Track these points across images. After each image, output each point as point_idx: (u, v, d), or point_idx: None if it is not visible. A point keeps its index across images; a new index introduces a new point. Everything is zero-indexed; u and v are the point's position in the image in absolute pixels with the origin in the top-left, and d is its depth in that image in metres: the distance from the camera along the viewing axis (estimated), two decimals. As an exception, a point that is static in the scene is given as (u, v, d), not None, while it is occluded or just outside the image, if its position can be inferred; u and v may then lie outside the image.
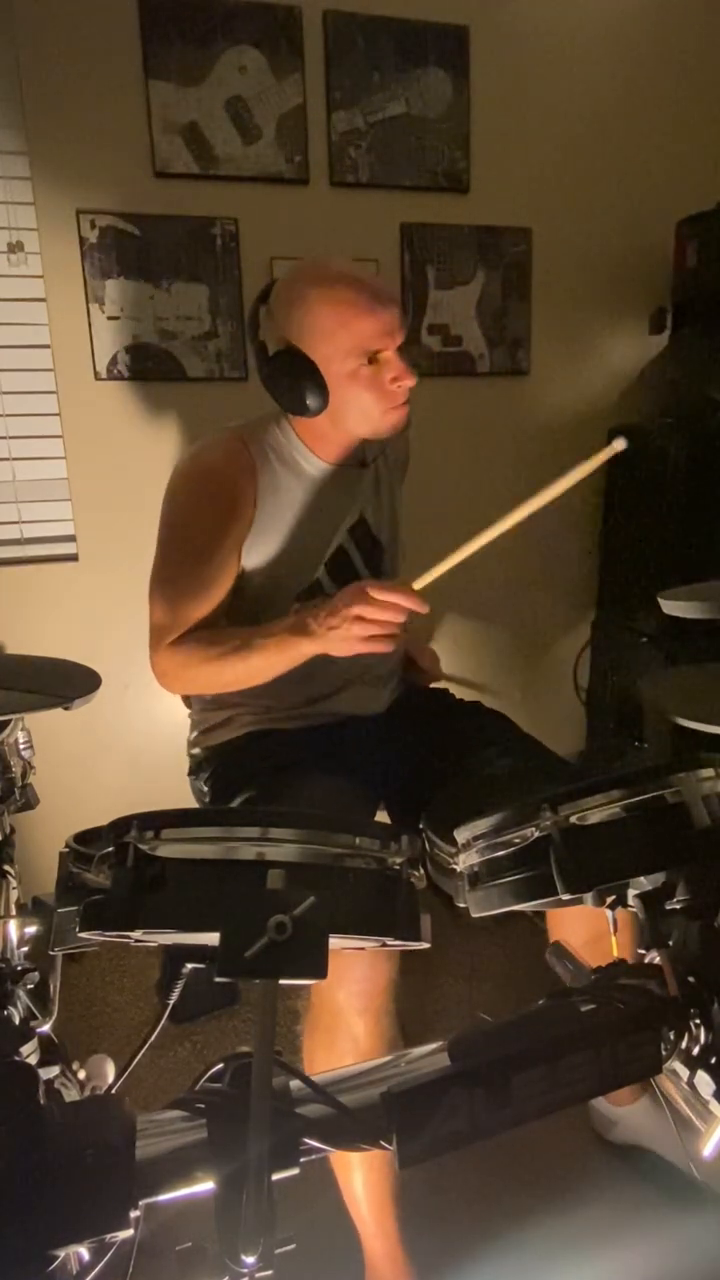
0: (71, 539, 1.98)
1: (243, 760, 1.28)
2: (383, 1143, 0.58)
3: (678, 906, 0.71)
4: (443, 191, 2.07)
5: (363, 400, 1.16)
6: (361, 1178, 1.12)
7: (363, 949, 0.84)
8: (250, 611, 1.25)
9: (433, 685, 1.50)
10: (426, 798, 1.16)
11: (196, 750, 1.38)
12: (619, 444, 0.98)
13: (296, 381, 1.13)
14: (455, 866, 0.77)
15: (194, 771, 1.38)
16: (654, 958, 0.72)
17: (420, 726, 1.36)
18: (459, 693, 1.48)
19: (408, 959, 1.07)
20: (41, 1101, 0.57)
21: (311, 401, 1.14)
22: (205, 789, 1.34)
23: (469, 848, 0.75)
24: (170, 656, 1.20)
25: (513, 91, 2.08)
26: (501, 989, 1.81)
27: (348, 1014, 1.05)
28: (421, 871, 0.68)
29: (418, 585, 1.07)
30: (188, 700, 1.45)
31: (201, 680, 1.25)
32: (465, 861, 0.76)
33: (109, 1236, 0.53)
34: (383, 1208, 1.13)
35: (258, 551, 1.23)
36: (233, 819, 0.62)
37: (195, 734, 1.39)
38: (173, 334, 1.94)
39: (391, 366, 1.15)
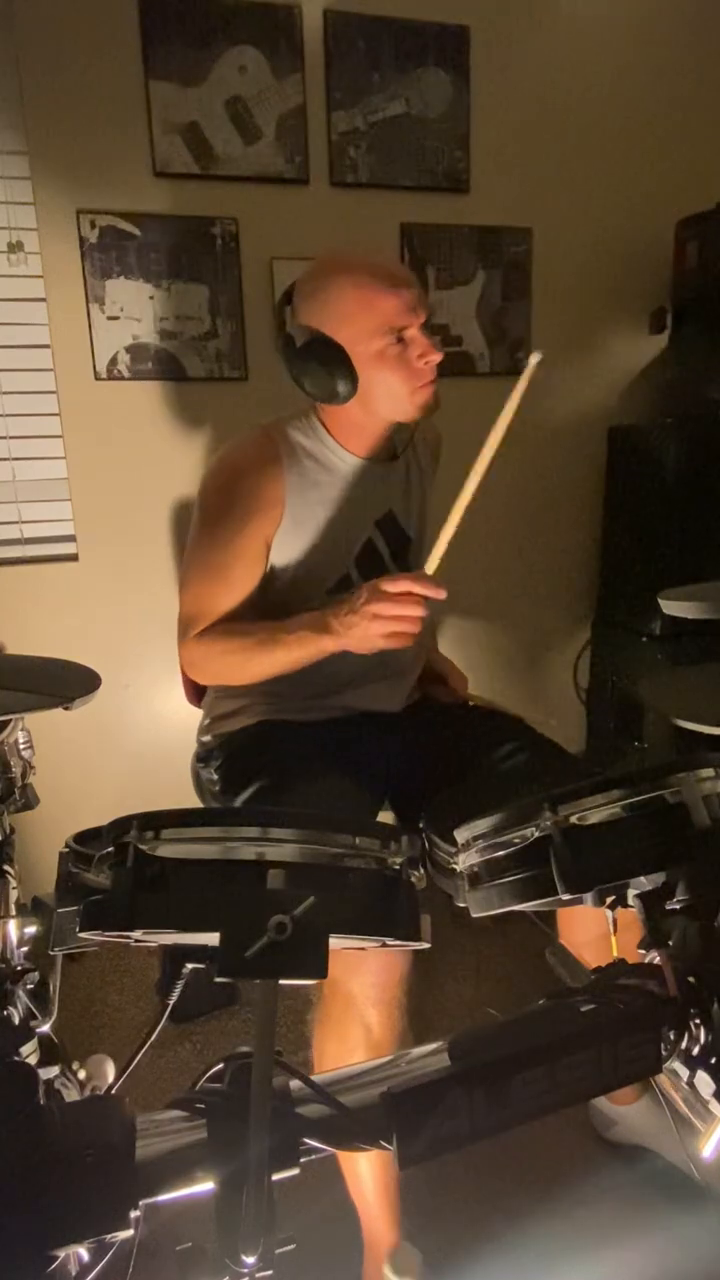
0: (71, 539, 1.98)
1: (253, 751, 1.28)
2: (383, 1143, 0.58)
3: (678, 906, 0.71)
4: (443, 191, 2.08)
5: (391, 380, 1.17)
6: (366, 1162, 1.12)
7: (363, 949, 0.84)
8: (281, 605, 1.26)
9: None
10: (434, 797, 1.16)
11: (207, 737, 1.38)
12: (535, 357, 1.01)
13: (327, 368, 1.15)
14: (455, 866, 0.77)
15: (203, 759, 1.38)
16: (654, 958, 0.72)
17: (434, 726, 1.36)
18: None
19: (412, 957, 1.07)
20: (41, 1101, 0.57)
21: (342, 387, 1.15)
22: (214, 778, 1.34)
23: (469, 847, 0.75)
24: (196, 647, 1.24)
25: (513, 91, 2.08)
26: (502, 989, 1.81)
27: (361, 1005, 1.06)
28: (422, 871, 0.68)
29: (429, 569, 1.09)
30: (195, 695, 1.45)
31: (227, 672, 1.28)
32: (465, 861, 0.76)
33: (109, 1236, 0.53)
34: (386, 1194, 1.14)
35: (287, 547, 1.25)
36: (232, 819, 0.62)
37: (208, 720, 1.39)
38: (173, 334, 1.94)
39: (417, 344, 1.17)
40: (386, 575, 1.10)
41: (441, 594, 1.06)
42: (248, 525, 1.22)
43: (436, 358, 1.17)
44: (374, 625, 1.07)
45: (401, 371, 1.17)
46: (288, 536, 1.24)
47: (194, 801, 1.40)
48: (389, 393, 1.18)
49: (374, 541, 1.31)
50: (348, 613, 1.10)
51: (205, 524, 1.25)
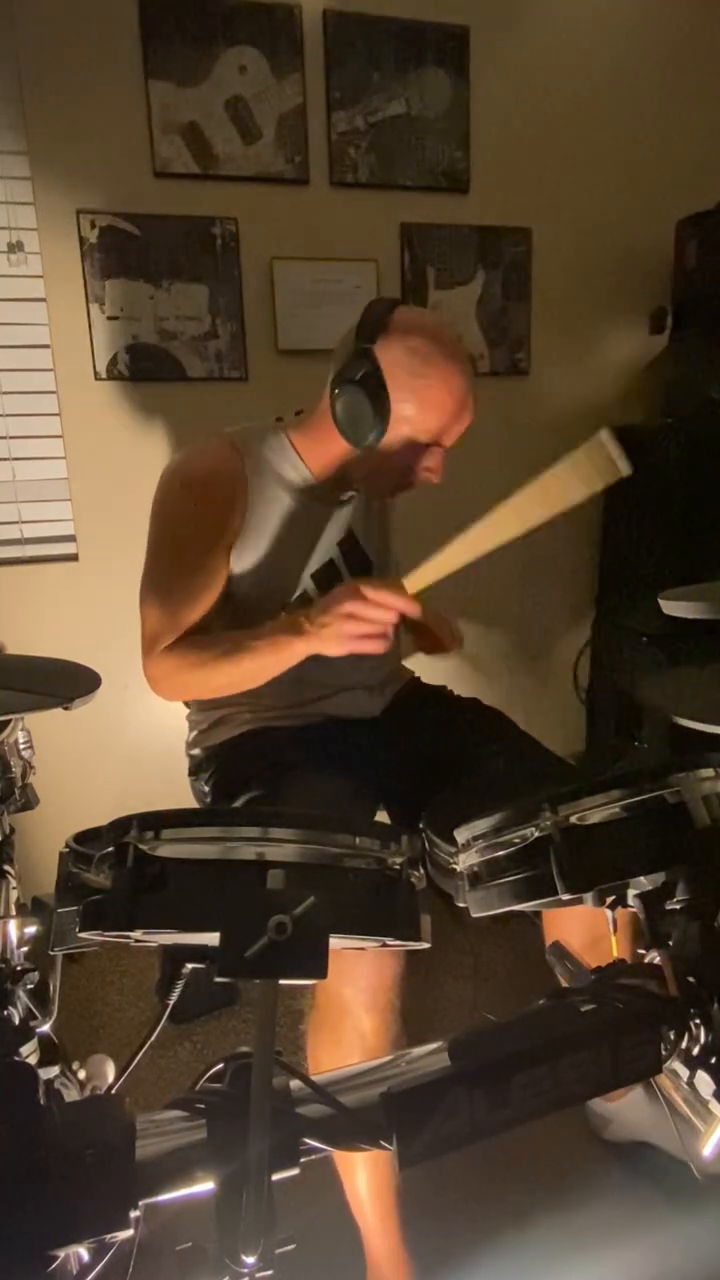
0: (71, 539, 1.98)
1: (243, 760, 1.28)
2: (383, 1143, 0.58)
3: (678, 906, 0.71)
4: (443, 191, 2.08)
5: (393, 464, 1.18)
6: (365, 1177, 1.12)
7: (363, 949, 0.84)
8: (238, 620, 1.24)
9: (431, 684, 1.50)
10: (426, 797, 1.16)
11: (196, 751, 1.38)
12: (625, 468, 0.97)
13: (375, 414, 1.11)
14: (455, 866, 0.77)
15: (194, 772, 1.38)
16: (654, 958, 0.72)
17: (419, 725, 1.35)
18: (458, 689, 1.48)
19: (409, 958, 1.07)
20: (41, 1101, 0.57)
21: (371, 437, 1.13)
22: (206, 789, 1.34)
23: (469, 848, 0.75)
24: (162, 663, 1.19)
25: (513, 91, 2.08)
26: (502, 989, 1.81)
27: (355, 1011, 1.05)
28: (421, 871, 0.68)
29: (411, 587, 1.07)
30: (186, 701, 1.45)
31: (194, 685, 1.24)
32: (465, 861, 0.76)
33: (109, 1236, 0.53)
34: (385, 1207, 1.13)
35: (245, 560, 1.22)
36: (233, 819, 0.62)
37: (194, 734, 1.39)
38: (173, 334, 1.94)
39: (434, 458, 1.18)
40: (365, 579, 1.09)
41: (416, 611, 1.06)
42: (208, 533, 1.19)
43: (436, 480, 1.20)
44: (347, 625, 1.05)
45: (407, 464, 1.19)
46: (246, 548, 1.22)
47: (194, 802, 1.40)
48: (381, 469, 1.19)
49: (335, 562, 1.30)
50: (320, 612, 1.08)
51: (165, 533, 1.22)
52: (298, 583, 1.27)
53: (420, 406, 1.13)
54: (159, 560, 1.22)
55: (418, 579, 1.08)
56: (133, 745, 2.06)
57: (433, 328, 1.15)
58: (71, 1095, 0.88)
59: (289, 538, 1.24)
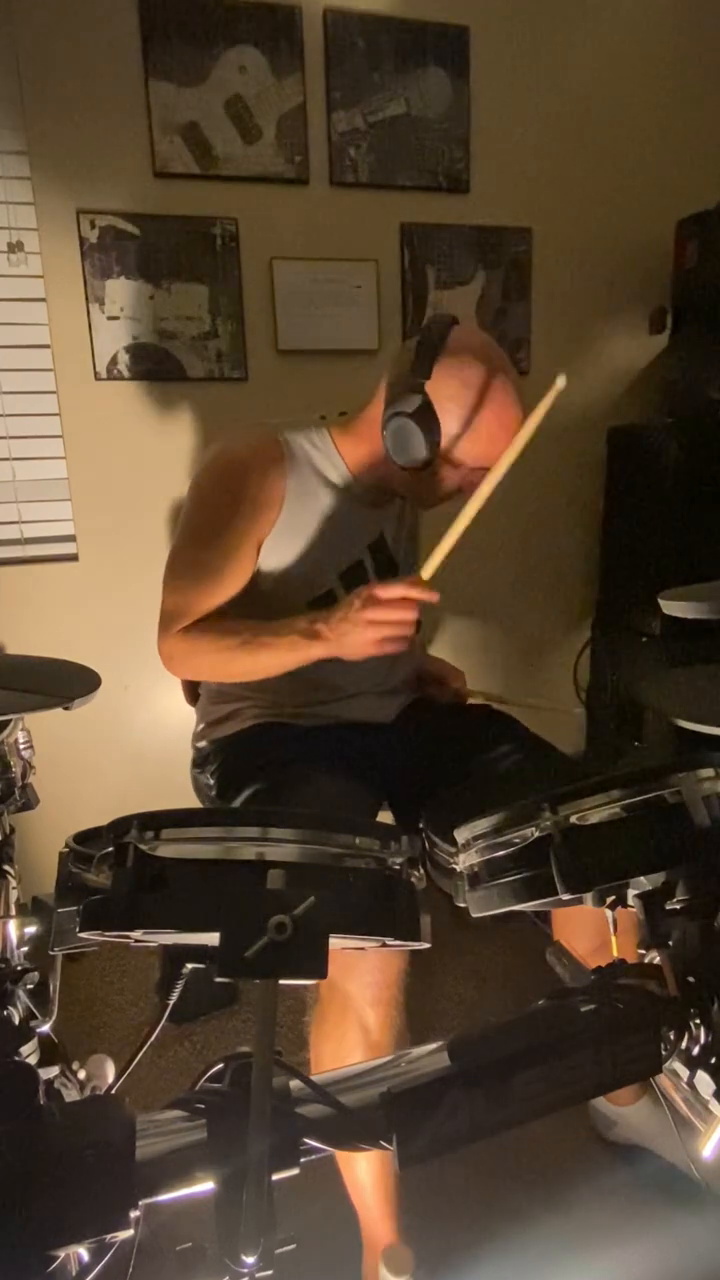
0: (71, 539, 1.98)
1: (249, 754, 1.28)
2: (383, 1143, 0.57)
3: (678, 906, 0.71)
4: (443, 191, 2.08)
5: (434, 483, 1.20)
6: (364, 1163, 1.12)
7: (363, 949, 0.84)
8: (261, 610, 1.25)
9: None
10: (431, 798, 1.16)
11: (202, 743, 1.38)
12: (560, 382, 1.01)
13: (426, 442, 1.12)
14: (455, 866, 0.77)
15: (199, 764, 1.38)
16: (654, 958, 0.72)
17: (428, 727, 1.36)
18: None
19: (411, 957, 1.07)
20: (41, 1101, 0.57)
21: (419, 460, 1.14)
22: (211, 782, 1.33)
23: (469, 847, 0.75)
24: (178, 643, 1.21)
25: (513, 91, 2.08)
26: (502, 989, 1.81)
27: (359, 1005, 1.05)
28: (421, 871, 0.68)
29: (425, 574, 1.08)
30: (194, 696, 1.45)
31: (206, 669, 1.27)
32: (465, 861, 0.76)
33: (109, 1236, 0.53)
34: (385, 1193, 1.14)
35: (276, 553, 1.23)
36: (232, 819, 0.62)
37: (202, 726, 1.39)
38: (173, 334, 1.94)
39: (478, 474, 1.18)
40: (378, 583, 1.09)
41: (435, 598, 1.07)
42: (243, 523, 1.20)
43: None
44: (368, 631, 1.06)
45: (448, 483, 1.20)
46: (278, 541, 1.23)
47: (194, 801, 1.40)
48: (424, 485, 1.20)
49: (363, 562, 1.31)
50: (340, 619, 1.08)
51: (199, 516, 1.23)
52: (326, 580, 1.28)
53: (472, 438, 1.15)
54: (188, 543, 1.24)
55: (428, 565, 1.09)
56: (133, 745, 2.06)
57: (488, 356, 1.17)
58: (71, 1095, 0.88)
59: (322, 535, 1.25)
